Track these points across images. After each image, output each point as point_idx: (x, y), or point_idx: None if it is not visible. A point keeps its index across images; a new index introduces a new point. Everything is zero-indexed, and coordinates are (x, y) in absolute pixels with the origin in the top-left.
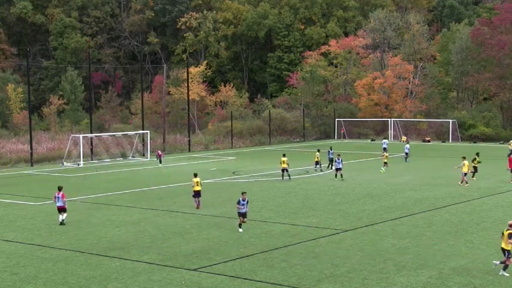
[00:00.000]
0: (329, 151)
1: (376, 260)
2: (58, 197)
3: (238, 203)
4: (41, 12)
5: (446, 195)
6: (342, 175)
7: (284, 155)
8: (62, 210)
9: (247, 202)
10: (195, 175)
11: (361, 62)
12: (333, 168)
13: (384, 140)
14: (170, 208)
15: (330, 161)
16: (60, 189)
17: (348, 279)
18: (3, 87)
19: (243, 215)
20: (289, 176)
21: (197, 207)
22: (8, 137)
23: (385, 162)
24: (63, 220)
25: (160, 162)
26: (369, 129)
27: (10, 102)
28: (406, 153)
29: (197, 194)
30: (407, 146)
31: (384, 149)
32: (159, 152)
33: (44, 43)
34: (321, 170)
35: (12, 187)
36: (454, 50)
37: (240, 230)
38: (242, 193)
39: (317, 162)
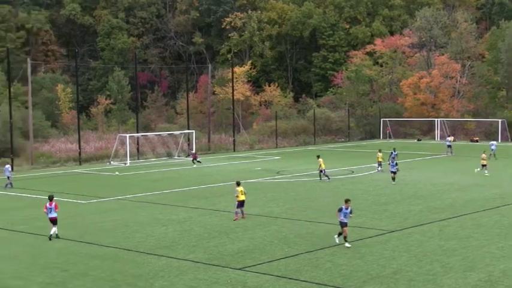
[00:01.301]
0: (392, 152)
1: (423, 261)
2: (50, 208)
3: (340, 210)
4: (89, 14)
5: (497, 196)
6: (392, 178)
7: (319, 156)
8: (54, 221)
9: (351, 211)
10: (238, 184)
11: (407, 61)
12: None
13: (448, 138)
14: (216, 207)
15: None
16: (51, 198)
17: (394, 281)
18: (53, 87)
19: (345, 225)
20: (320, 177)
21: (237, 218)
22: (58, 136)
23: (485, 165)
24: (55, 234)
25: (194, 162)
26: (415, 129)
27: (59, 102)
28: (493, 149)
29: (241, 204)
30: (494, 143)
31: (449, 146)
32: (192, 152)
33: (91, 44)
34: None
35: (62, 185)
36: (503, 48)
37: (337, 240)
38: (346, 201)
39: (380, 163)
